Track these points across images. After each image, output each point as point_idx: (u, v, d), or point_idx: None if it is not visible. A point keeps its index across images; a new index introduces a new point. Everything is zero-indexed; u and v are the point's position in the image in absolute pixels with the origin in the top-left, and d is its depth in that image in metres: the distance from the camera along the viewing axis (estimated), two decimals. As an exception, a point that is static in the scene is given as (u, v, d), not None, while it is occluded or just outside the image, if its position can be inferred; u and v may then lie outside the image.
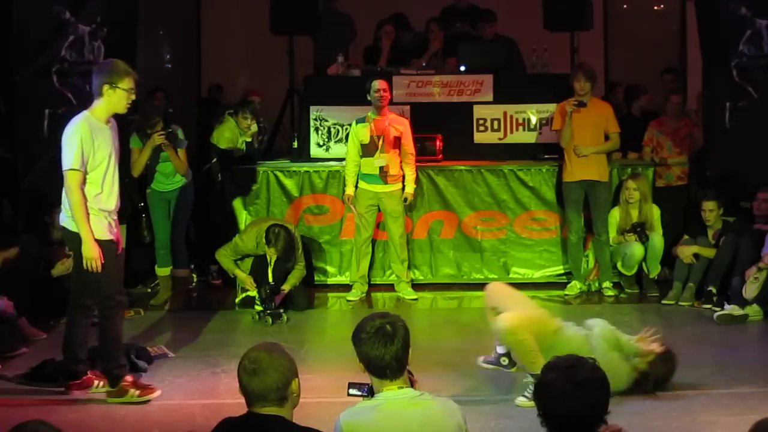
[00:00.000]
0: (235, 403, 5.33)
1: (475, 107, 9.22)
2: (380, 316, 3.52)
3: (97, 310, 5.87)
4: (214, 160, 8.93)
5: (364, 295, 8.53)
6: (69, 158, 5.60)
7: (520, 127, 9.22)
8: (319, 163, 9.03)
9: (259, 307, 7.77)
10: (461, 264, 8.92)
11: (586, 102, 8.28)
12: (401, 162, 8.37)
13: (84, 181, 5.63)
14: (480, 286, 8.79)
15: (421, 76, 9.24)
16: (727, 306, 7.63)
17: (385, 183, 8.32)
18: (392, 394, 3.44)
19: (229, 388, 5.95)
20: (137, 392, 5.80)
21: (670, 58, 11.38)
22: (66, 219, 5.76)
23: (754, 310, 7.54)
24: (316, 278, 8.87)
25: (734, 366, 6.38)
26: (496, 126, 9.21)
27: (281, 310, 7.75)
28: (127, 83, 5.65)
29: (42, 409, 5.61)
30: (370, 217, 8.41)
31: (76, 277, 5.83)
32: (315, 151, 9.24)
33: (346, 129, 9.11)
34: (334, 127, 9.22)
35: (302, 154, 9.25)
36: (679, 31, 11.73)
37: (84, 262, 5.60)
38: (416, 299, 8.43)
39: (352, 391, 3.58)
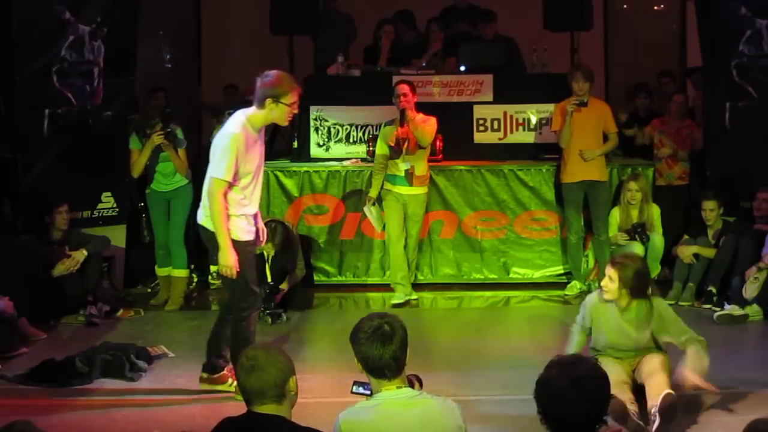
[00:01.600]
0: (235, 404, 5.35)
1: (475, 107, 9.21)
2: (378, 316, 3.52)
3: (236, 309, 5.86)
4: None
5: (411, 296, 8.36)
6: (220, 168, 5.49)
7: (520, 127, 9.21)
8: (319, 163, 9.03)
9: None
10: (461, 264, 8.91)
11: (587, 101, 8.29)
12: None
13: (229, 188, 5.59)
14: (480, 286, 8.86)
15: (421, 76, 9.22)
16: (727, 306, 7.63)
17: (411, 185, 8.26)
18: (391, 394, 3.44)
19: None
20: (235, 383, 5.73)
21: (670, 58, 11.38)
22: (204, 218, 5.71)
23: (754, 310, 7.54)
24: (316, 278, 8.87)
25: (734, 366, 6.38)
26: (496, 126, 9.21)
27: (280, 310, 7.75)
28: (290, 98, 5.57)
29: (42, 409, 5.61)
30: (397, 217, 8.33)
31: (223, 279, 5.88)
32: (315, 151, 9.24)
33: (347, 129, 9.12)
34: (334, 127, 9.22)
35: (302, 154, 9.25)
36: (679, 31, 11.72)
37: (219, 268, 5.61)
38: (416, 299, 8.42)
39: (356, 389, 3.58)
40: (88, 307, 7.69)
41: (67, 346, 6.75)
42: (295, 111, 5.68)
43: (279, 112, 5.58)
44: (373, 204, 8.33)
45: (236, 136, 5.51)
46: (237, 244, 5.60)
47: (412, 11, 10.59)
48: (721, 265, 7.97)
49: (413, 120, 8.09)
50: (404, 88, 8.17)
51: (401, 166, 8.23)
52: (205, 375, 5.99)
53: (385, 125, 8.36)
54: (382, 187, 8.33)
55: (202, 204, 5.76)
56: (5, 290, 7.11)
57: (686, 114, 9.28)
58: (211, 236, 5.65)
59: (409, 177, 8.25)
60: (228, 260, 5.55)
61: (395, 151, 8.19)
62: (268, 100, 5.54)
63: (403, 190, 8.29)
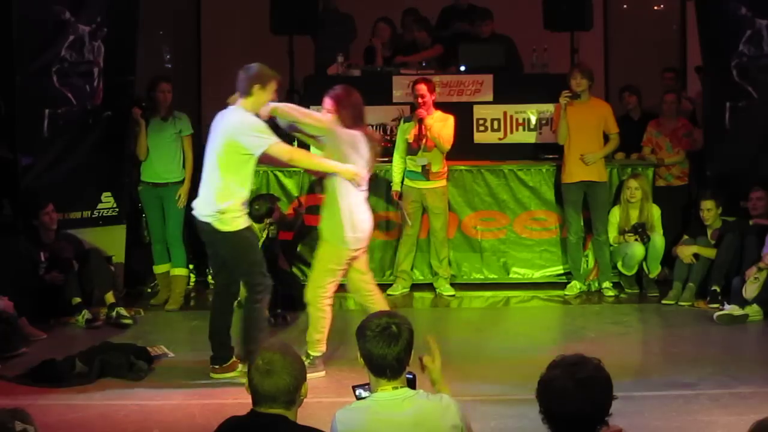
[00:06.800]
0: (235, 403, 5.35)
1: (475, 107, 9.22)
2: (387, 315, 3.52)
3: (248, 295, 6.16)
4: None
5: (406, 291, 8.63)
6: (272, 137, 6.04)
7: (520, 127, 9.22)
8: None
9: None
10: (461, 264, 8.91)
11: (580, 94, 8.30)
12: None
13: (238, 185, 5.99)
14: (480, 286, 8.85)
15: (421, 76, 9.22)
16: (727, 306, 7.62)
17: (428, 180, 8.37)
18: (385, 395, 3.44)
19: (229, 388, 5.96)
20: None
21: (670, 58, 11.37)
22: (207, 214, 6.01)
23: (754, 310, 7.53)
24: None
25: (734, 366, 6.38)
26: (496, 126, 9.21)
27: (278, 310, 7.71)
28: (274, 85, 6.14)
29: (42, 410, 5.60)
30: (414, 214, 8.49)
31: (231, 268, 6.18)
32: (315, 151, 9.21)
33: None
34: (334, 127, 9.20)
35: (302, 154, 9.23)
36: (679, 31, 11.72)
37: (351, 177, 6.18)
38: (453, 295, 8.51)
39: (359, 394, 3.57)
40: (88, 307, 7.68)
41: (67, 346, 6.74)
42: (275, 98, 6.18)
43: (265, 97, 6.04)
44: (400, 198, 8.55)
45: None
46: (238, 233, 5.96)
47: (417, 8, 10.55)
48: (724, 265, 7.97)
49: (430, 130, 8.23)
50: (421, 89, 8.30)
51: (418, 162, 8.38)
52: (217, 366, 6.19)
53: (404, 121, 8.53)
54: (402, 183, 8.50)
55: (203, 200, 5.98)
56: (5, 290, 7.11)
57: (681, 113, 9.25)
58: (211, 231, 5.92)
59: (426, 173, 8.37)
60: (352, 170, 6.16)
61: (413, 148, 8.35)
62: (256, 86, 5.99)
63: (421, 184, 8.41)
